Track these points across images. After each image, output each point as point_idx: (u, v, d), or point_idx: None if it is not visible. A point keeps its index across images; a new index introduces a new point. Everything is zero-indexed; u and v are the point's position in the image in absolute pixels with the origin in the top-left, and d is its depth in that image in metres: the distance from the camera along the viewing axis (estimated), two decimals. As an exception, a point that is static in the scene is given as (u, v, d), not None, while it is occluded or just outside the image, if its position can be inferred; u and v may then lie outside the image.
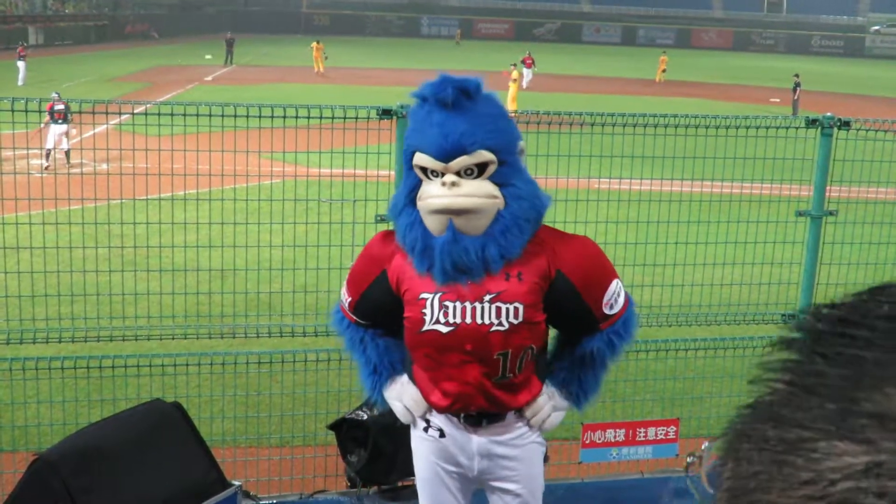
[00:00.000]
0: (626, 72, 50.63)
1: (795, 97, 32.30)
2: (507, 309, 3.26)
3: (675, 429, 5.71)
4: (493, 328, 3.26)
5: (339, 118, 5.29)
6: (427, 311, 3.28)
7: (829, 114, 5.82)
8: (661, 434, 5.61)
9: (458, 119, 3.17)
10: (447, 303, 3.26)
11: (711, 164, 6.05)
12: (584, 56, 63.18)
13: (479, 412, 3.44)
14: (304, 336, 5.80)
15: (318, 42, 45.50)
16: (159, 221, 5.58)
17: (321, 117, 5.27)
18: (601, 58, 62.09)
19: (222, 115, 5.16)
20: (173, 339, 5.69)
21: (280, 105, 5.25)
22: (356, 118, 5.27)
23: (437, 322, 3.28)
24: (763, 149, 6.08)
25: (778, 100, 36.93)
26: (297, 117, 5.23)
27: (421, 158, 3.21)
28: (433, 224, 3.21)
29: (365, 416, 5.12)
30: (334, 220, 5.86)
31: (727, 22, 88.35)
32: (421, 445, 3.61)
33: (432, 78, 3.28)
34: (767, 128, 5.93)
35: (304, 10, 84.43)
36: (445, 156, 3.17)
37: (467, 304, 3.25)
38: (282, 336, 5.78)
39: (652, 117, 5.66)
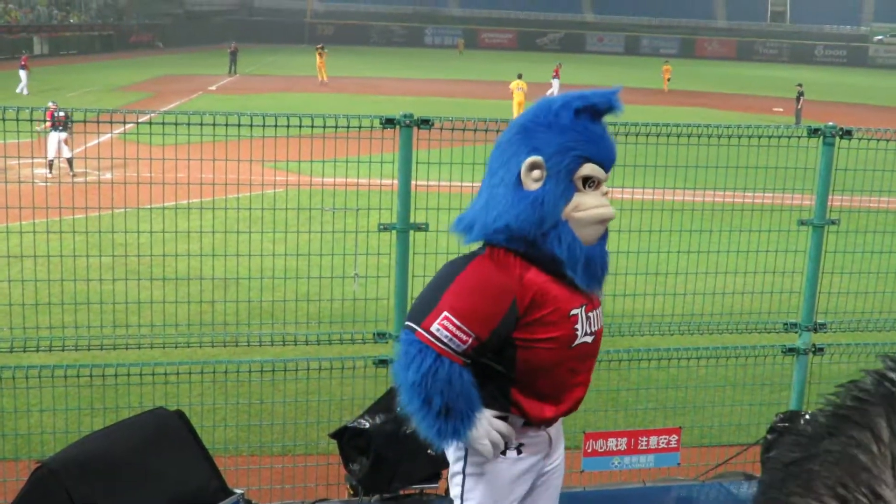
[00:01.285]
0: (629, 81, 50.60)
1: (799, 106, 32.30)
2: (600, 312, 3.47)
3: (676, 437, 5.71)
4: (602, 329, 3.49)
5: (343, 127, 5.31)
6: (579, 325, 3.30)
7: (830, 123, 5.83)
8: (662, 443, 5.60)
9: (607, 132, 3.34)
10: (590, 314, 3.35)
11: (714, 174, 6.06)
12: (587, 65, 63.24)
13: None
14: (307, 344, 5.81)
15: (321, 47, 45.48)
16: (163, 230, 5.59)
17: (324, 126, 5.28)
18: (605, 67, 62.14)
19: (226, 125, 5.18)
20: (176, 347, 5.70)
21: (283, 114, 5.27)
22: (359, 127, 5.28)
23: (587, 333, 3.34)
24: (765, 158, 6.09)
25: (781, 109, 36.94)
26: (300, 126, 5.25)
27: (593, 168, 3.23)
28: (590, 234, 3.25)
29: (367, 425, 5.13)
30: (337, 228, 5.87)
31: (730, 31, 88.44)
32: (493, 468, 3.42)
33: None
34: (770, 137, 5.94)
35: (309, 20, 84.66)
36: (610, 166, 3.32)
37: (598, 311, 3.42)
38: (284, 345, 5.79)
39: (654, 126, 5.67)
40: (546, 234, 3.18)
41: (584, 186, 3.23)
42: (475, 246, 3.37)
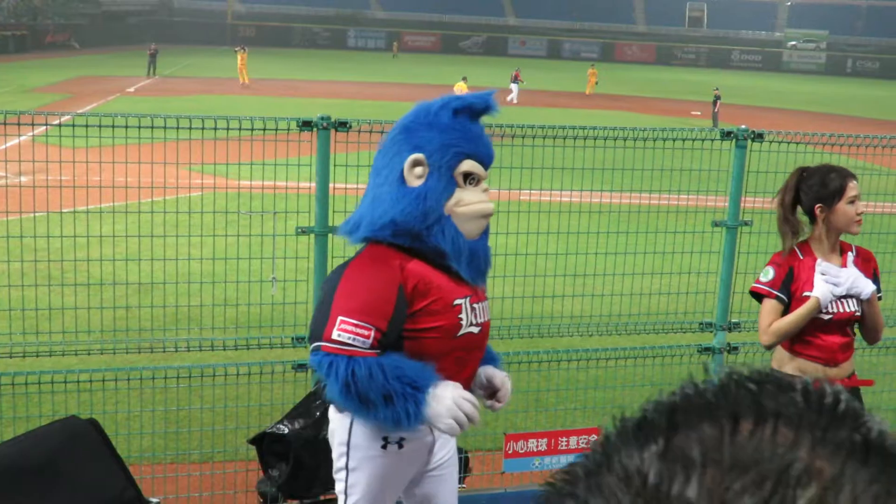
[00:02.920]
0: (552, 84, 51.16)
1: (715, 110, 32.95)
2: (486, 305, 3.59)
3: (595, 437, 5.76)
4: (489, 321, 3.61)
5: (259, 129, 5.26)
6: (463, 315, 3.41)
7: (743, 126, 5.95)
8: (582, 443, 5.66)
9: (484, 132, 3.52)
10: (475, 305, 3.47)
11: (630, 176, 6.14)
12: (510, 69, 63.68)
13: None
14: (226, 350, 5.73)
15: (243, 48, 45.00)
16: (73, 234, 5.47)
17: (240, 129, 5.23)
18: (527, 70, 62.62)
19: (139, 127, 5.09)
20: (89, 354, 5.58)
21: (200, 116, 5.20)
22: (276, 130, 5.24)
23: (472, 324, 3.44)
24: (681, 160, 6.19)
25: (699, 113, 37.63)
26: (215, 129, 5.19)
27: (473, 165, 3.41)
28: (473, 228, 3.41)
29: (286, 430, 5.08)
30: (255, 232, 5.81)
31: (649, 36, 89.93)
32: (375, 462, 3.48)
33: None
34: (685, 140, 6.04)
35: (230, 22, 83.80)
36: (489, 163, 3.48)
37: (484, 304, 3.54)
38: (201, 350, 5.71)
39: (572, 129, 5.72)
40: (430, 228, 3.32)
41: (465, 183, 3.39)
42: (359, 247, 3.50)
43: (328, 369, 3.19)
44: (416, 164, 3.35)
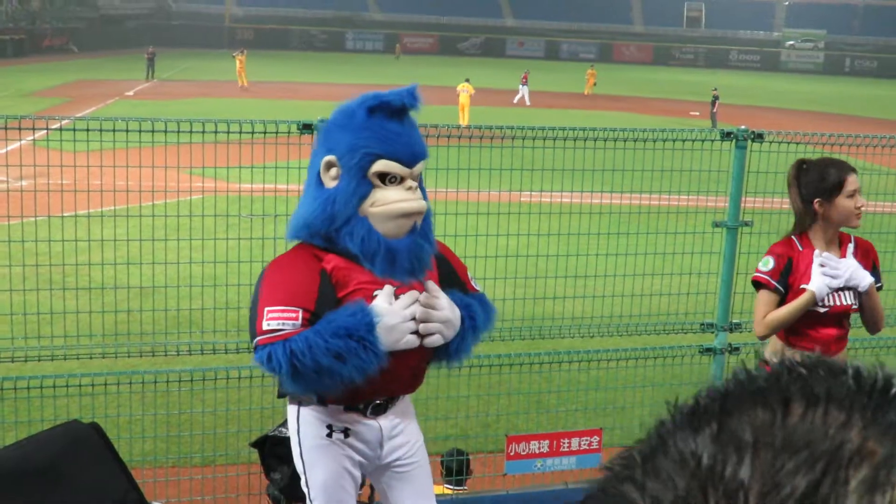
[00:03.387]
0: (550, 85, 51.12)
1: (714, 110, 32.95)
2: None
3: (598, 439, 5.77)
4: None
5: (260, 133, 5.26)
6: None
7: (743, 126, 5.95)
8: (584, 444, 5.66)
9: (411, 128, 3.44)
10: (400, 296, 3.41)
11: (630, 177, 6.15)
12: (508, 70, 63.68)
13: (386, 398, 3.57)
14: (227, 353, 5.74)
15: (241, 53, 45.05)
16: (75, 238, 5.47)
17: (241, 132, 5.23)
18: (525, 71, 62.58)
19: (139, 131, 5.09)
20: (90, 357, 5.59)
21: (200, 119, 5.20)
22: (276, 132, 5.24)
23: None
24: (681, 161, 6.20)
25: (697, 113, 37.64)
26: (216, 132, 5.19)
27: (388, 165, 3.35)
28: (393, 228, 3.36)
29: (288, 433, 5.07)
30: (256, 235, 5.81)
31: (647, 36, 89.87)
32: (323, 453, 3.57)
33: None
34: (684, 140, 6.04)
35: (228, 25, 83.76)
36: (413, 162, 3.39)
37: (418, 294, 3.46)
38: (203, 353, 5.71)
39: (572, 131, 5.73)
40: (339, 230, 3.34)
41: (385, 182, 3.36)
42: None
43: (268, 360, 3.23)
44: (329, 166, 3.38)
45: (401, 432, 3.69)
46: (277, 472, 5.16)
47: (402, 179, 3.38)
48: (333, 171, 3.38)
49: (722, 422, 0.62)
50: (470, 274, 3.84)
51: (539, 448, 5.59)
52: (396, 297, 3.38)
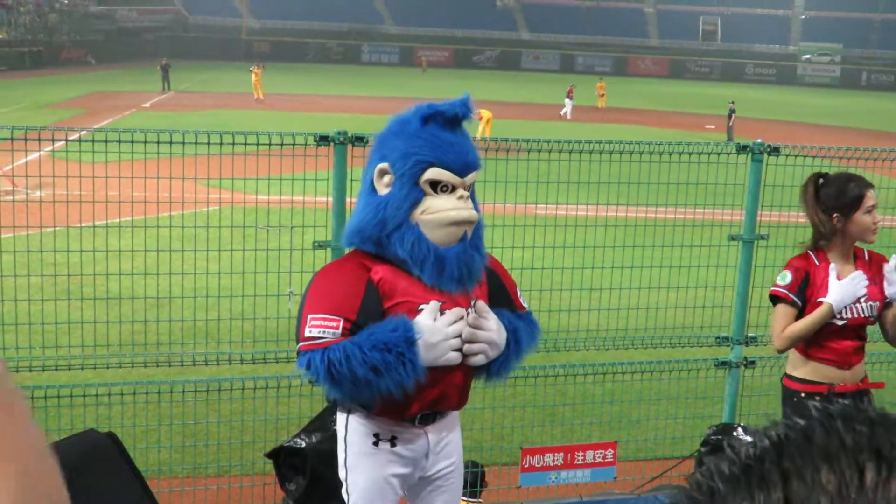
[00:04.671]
0: (565, 98, 51.14)
1: (730, 124, 32.88)
2: (469, 311, 3.49)
3: (612, 452, 5.75)
4: None
5: (277, 145, 5.29)
6: None
7: (759, 140, 5.95)
8: (598, 457, 5.65)
9: (464, 138, 3.48)
10: (446, 311, 3.42)
11: (646, 190, 6.14)
12: (523, 83, 63.76)
13: (436, 410, 3.58)
14: (242, 364, 5.75)
15: (258, 66, 45.29)
16: (93, 249, 5.51)
17: (258, 144, 5.26)
18: (540, 84, 62.70)
19: (157, 142, 5.13)
20: (107, 367, 5.61)
21: (217, 132, 5.23)
22: (293, 144, 5.27)
23: None
24: (696, 174, 6.19)
25: (713, 126, 37.58)
26: (233, 144, 5.21)
27: (440, 173, 3.38)
28: (443, 236, 3.39)
29: (303, 444, 5.09)
30: (272, 246, 5.84)
31: (663, 50, 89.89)
32: (369, 460, 3.59)
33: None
34: (700, 154, 6.04)
35: (244, 37, 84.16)
36: (464, 171, 3.42)
37: (465, 311, 3.47)
38: (218, 364, 5.73)
39: (587, 143, 5.73)
40: (390, 236, 3.38)
41: (437, 190, 3.39)
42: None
43: (308, 366, 3.31)
44: (382, 173, 3.43)
45: (446, 446, 3.71)
46: (293, 482, 5.17)
47: (454, 188, 3.41)
48: (387, 178, 3.42)
49: (787, 489, 0.60)
50: (519, 291, 3.84)
51: (553, 461, 5.58)
52: (442, 312, 3.39)
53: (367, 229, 3.42)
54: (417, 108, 3.46)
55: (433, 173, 3.38)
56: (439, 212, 3.37)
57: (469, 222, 3.43)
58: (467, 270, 3.45)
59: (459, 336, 3.39)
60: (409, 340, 3.26)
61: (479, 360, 3.48)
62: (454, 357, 3.38)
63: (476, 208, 3.54)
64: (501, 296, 3.71)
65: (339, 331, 3.30)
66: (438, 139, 3.40)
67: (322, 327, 3.32)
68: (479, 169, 3.51)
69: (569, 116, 40.36)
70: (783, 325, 4.67)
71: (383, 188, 3.43)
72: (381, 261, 3.43)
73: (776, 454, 0.62)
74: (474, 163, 3.48)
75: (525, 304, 3.82)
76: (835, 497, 0.58)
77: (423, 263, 3.37)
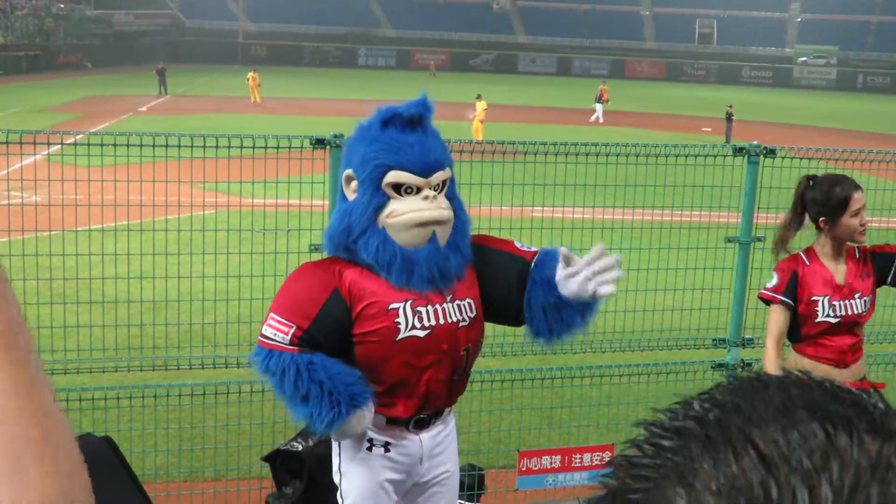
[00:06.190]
0: (562, 101, 51.24)
1: (731, 125, 32.84)
2: (464, 305, 3.53)
3: (610, 454, 5.75)
4: (460, 325, 3.52)
5: (273, 148, 5.28)
6: (401, 319, 3.42)
7: (755, 142, 5.95)
8: (596, 460, 5.64)
9: (428, 138, 3.44)
10: (419, 308, 3.44)
11: (643, 192, 6.14)
12: (520, 86, 63.79)
13: (429, 414, 3.58)
14: (239, 367, 5.74)
15: (254, 72, 45.39)
16: (88, 253, 5.50)
17: (254, 147, 5.25)
18: (537, 88, 62.75)
19: (153, 146, 5.12)
20: (103, 372, 5.60)
21: (213, 135, 5.22)
22: (289, 148, 5.26)
23: (414, 328, 3.43)
24: (693, 177, 6.19)
25: (710, 129, 37.60)
26: (229, 147, 5.21)
27: (400, 175, 3.37)
28: (410, 238, 3.38)
29: (300, 447, 5.08)
30: (268, 250, 5.83)
31: (659, 53, 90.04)
32: (362, 465, 3.60)
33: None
34: (696, 156, 6.04)
35: (241, 41, 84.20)
36: (427, 171, 3.39)
37: (437, 307, 3.47)
38: (215, 367, 5.72)
39: (584, 146, 5.73)
40: (356, 241, 3.40)
41: (401, 193, 3.39)
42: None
43: (254, 357, 3.41)
44: (348, 179, 3.45)
45: (442, 452, 3.71)
46: (289, 486, 5.16)
47: (419, 189, 3.39)
48: (353, 184, 3.43)
49: (758, 445, 0.61)
50: (518, 242, 3.79)
51: (551, 463, 5.58)
52: (414, 308, 3.41)
53: (335, 236, 3.45)
54: (378, 112, 3.45)
55: (393, 176, 3.37)
56: (403, 214, 3.36)
57: (437, 222, 3.40)
58: (439, 270, 3.43)
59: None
60: (354, 402, 3.29)
61: (611, 287, 3.54)
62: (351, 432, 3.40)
63: (459, 207, 3.53)
64: (501, 262, 3.66)
65: (289, 337, 3.33)
66: (397, 142, 3.39)
67: (276, 329, 3.36)
68: (445, 168, 3.47)
69: (601, 120, 40.27)
70: (775, 329, 4.74)
71: (350, 194, 3.44)
72: (355, 265, 3.44)
73: (735, 413, 0.64)
74: (437, 162, 3.43)
75: (530, 248, 3.75)
76: (814, 453, 0.60)
77: (389, 266, 3.38)
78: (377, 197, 3.38)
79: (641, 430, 0.67)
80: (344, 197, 3.47)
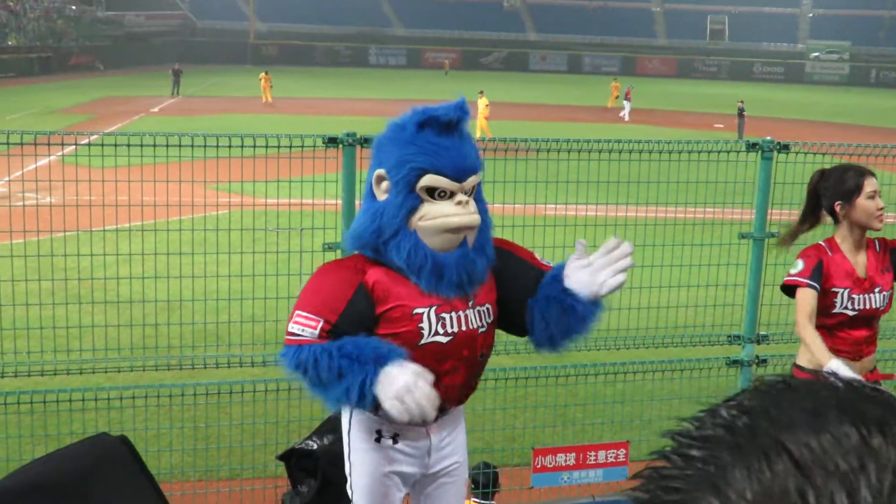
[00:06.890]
0: (573, 99, 51.15)
1: (741, 122, 32.76)
2: (483, 311, 3.55)
3: (624, 452, 5.74)
4: (479, 331, 3.53)
5: (286, 147, 5.29)
6: (424, 324, 3.41)
7: (768, 137, 5.93)
8: (611, 457, 5.63)
9: (464, 142, 3.42)
10: (443, 315, 3.43)
11: (656, 189, 6.13)
12: (531, 84, 63.72)
13: (440, 412, 3.55)
14: (253, 366, 5.76)
15: (266, 73, 45.48)
16: (103, 253, 5.51)
17: (267, 146, 5.26)
18: (548, 85, 62.67)
19: (166, 146, 5.13)
20: (118, 371, 5.62)
21: (226, 135, 5.23)
22: (302, 147, 5.27)
23: (437, 334, 3.43)
24: (706, 173, 6.18)
25: (721, 125, 37.50)
26: (242, 147, 5.22)
27: (435, 179, 3.34)
28: (441, 242, 3.36)
29: (314, 446, 5.08)
30: (282, 249, 5.84)
31: (670, 50, 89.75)
32: (370, 456, 3.61)
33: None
34: (709, 152, 6.03)
35: (252, 41, 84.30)
36: (462, 176, 3.38)
37: (460, 313, 3.47)
38: (230, 367, 5.74)
39: (596, 143, 5.72)
40: (387, 243, 3.37)
41: (434, 197, 3.37)
42: None
43: (282, 357, 3.36)
44: (380, 179, 3.42)
45: (449, 444, 3.72)
46: (304, 485, 5.17)
47: (452, 194, 3.38)
48: (384, 184, 3.40)
49: (790, 450, 0.60)
50: (539, 255, 3.78)
51: (565, 461, 5.57)
52: (438, 315, 3.40)
53: (364, 235, 3.42)
54: (413, 113, 3.42)
55: (429, 180, 3.35)
56: (436, 218, 3.35)
57: (469, 228, 3.40)
58: (467, 275, 3.43)
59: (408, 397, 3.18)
60: (379, 360, 3.17)
61: (623, 277, 3.52)
62: (392, 408, 3.18)
63: (484, 209, 3.51)
64: (519, 270, 3.65)
65: (318, 332, 3.31)
66: (434, 145, 3.36)
67: (302, 325, 3.35)
68: (479, 172, 3.47)
69: (627, 118, 40.33)
70: (806, 309, 4.65)
71: (381, 194, 3.42)
72: (381, 265, 3.42)
73: (763, 417, 0.63)
74: (473, 167, 3.43)
75: (548, 262, 3.73)
76: (847, 455, 0.59)
77: (420, 270, 3.37)
78: (410, 199, 3.35)
79: (668, 441, 0.66)
80: (372, 195, 3.44)
